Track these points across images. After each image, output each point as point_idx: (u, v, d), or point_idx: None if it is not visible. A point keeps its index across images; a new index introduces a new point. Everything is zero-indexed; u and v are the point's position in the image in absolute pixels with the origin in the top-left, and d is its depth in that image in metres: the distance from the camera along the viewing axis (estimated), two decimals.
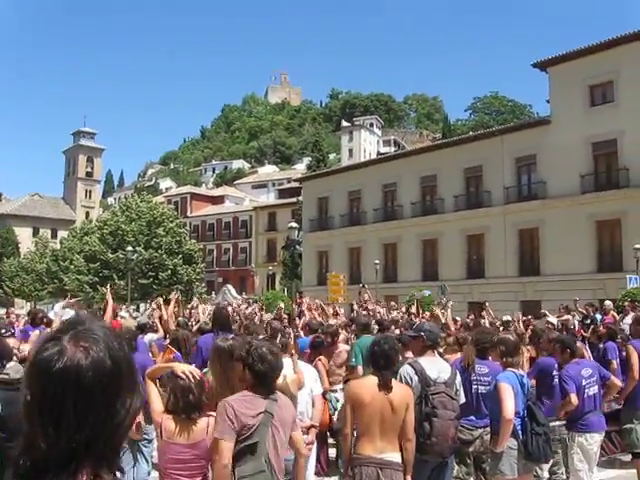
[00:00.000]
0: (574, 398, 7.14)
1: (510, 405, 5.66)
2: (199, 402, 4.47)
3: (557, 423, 7.52)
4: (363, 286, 23.41)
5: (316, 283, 49.94)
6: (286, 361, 6.62)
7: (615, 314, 16.36)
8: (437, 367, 5.73)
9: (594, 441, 7.32)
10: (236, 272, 77.80)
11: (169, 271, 51.39)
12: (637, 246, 31.70)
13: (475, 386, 6.86)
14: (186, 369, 4.57)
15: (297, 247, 26.78)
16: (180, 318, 11.91)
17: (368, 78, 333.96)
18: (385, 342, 5.33)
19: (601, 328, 12.30)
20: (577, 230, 36.50)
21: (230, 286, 48.49)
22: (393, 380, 5.22)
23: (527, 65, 63.59)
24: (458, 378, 5.89)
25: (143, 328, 10.24)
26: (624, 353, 10.77)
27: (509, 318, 15.44)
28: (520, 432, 5.85)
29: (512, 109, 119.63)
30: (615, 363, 10.73)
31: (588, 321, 15.52)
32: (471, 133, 56.99)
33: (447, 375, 5.71)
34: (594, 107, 37.69)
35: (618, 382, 8.36)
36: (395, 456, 5.06)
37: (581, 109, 37.82)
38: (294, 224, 27.12)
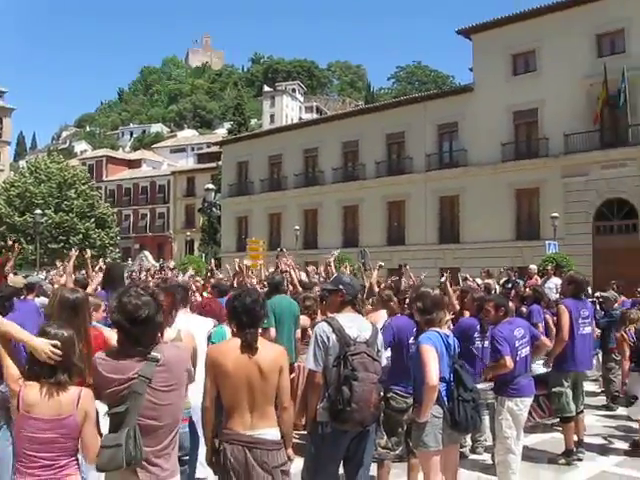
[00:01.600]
0: (509, 361, 6.64)
1: (434, 369, 5.01)
2: (66, 362, 3.60)
3: (481, 386, 6.97)
4: (281, 250, 22.61)
5: (235, 249, 49.02)
6: (182, 316, 5.89)
7: (538, 278, 16.13)
8: (357, 325, 5.02)
9: (524, 406, 6.85)
10: (154, 238, 76.04)
11: (81, 235, 49.49)
12: (554, 214, 32.01)
13: (412, 349, 6.19)
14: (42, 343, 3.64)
15: (214, 210, 25.81)
16: (79, 275, 10.91)
17: (292, 44, 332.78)
18: (246, 294, 4.50)
19: (527, 290, 11.93)
20: (497, 198, 36.64)
21: (147, 252, 47.11)
22: (261, 340, 4.43)
23: (451, 35, 63.60)
24: (380, 337, 5.18)
25: (32, 288, 9.21)
26: (547, 316, 10.42)
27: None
28: (446, 399, 5.20)
29: (435, 79, 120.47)
30: (540, 326, 10.32)
31: (509, 285, 15.20)
32: (394, 100, 56.56)
33: (368, 333, 5.00)
34: (516, 76, 37.75)
35: (548, 342, 7.92)
36: (269, 432, 4.31)
37: (503, 78, 37.81)
38: (210, 185, 26.19)
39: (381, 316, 7.47)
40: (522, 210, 37.26)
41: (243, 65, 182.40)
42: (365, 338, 4.94)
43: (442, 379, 5.15)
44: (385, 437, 6.47)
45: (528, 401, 6.92)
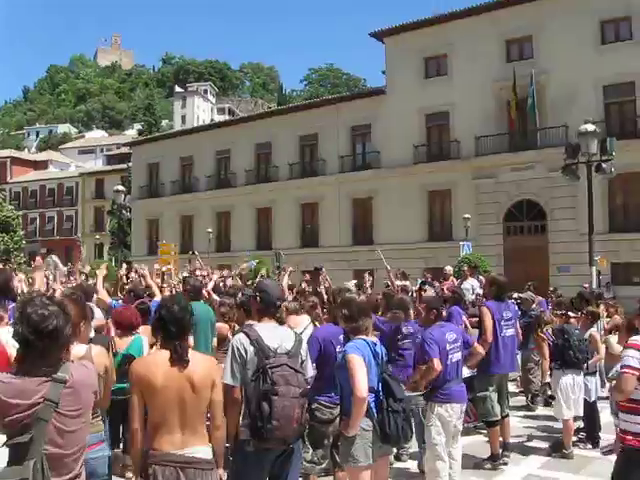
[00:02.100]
0: (437, 363, 6.43)
1: (362, 380, 4.71)
2: None
3: (410, 394, 6.74)
4: (193, 253, 22.11)
5: (146, 253, 47.97)
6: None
7: (454, 279, 16.10)
8: (278, 334, 4.67)
9: (454, 412, 6.61)
10: (61, 242, 73.71)
11: None
12: (466, 215, 32.46)
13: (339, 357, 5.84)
14: None
15: (124, 212, 24.95)
16: None
17: (203, 44, 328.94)
18: (174, 302, 4.11)
19: (445, 292, 11.80)
20: (409, 200, 36.93)
21: (55, 256, 45.29)
22: (191, 351, 4.06)
23: (364, 37, 63.95)
24: (304, 346, 4.81)
25: None
26: (464, 317, 10.32)
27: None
28: (375, 411, 4.90)
29: (347, 82, 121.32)
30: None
31: (426, 287, 15.08)
32: (307, 101, 56.46)
33: (290, 343, 4.64)
34: (428, 79, 38.18)
35: (482, 349, 7.65)
36: (201, 450, 3.93)
37: (416, 80, 38.14)
38: (120, 187, 25.33)
39: (301, 321, 7.14)
40: (434, 211, 37.65)
41: (154, 65, 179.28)
42: (286, 349, 4.57)
43: (371, 390, 4.84)
44: (310, 450, 6.11)
45: (458, 407, 6.69)
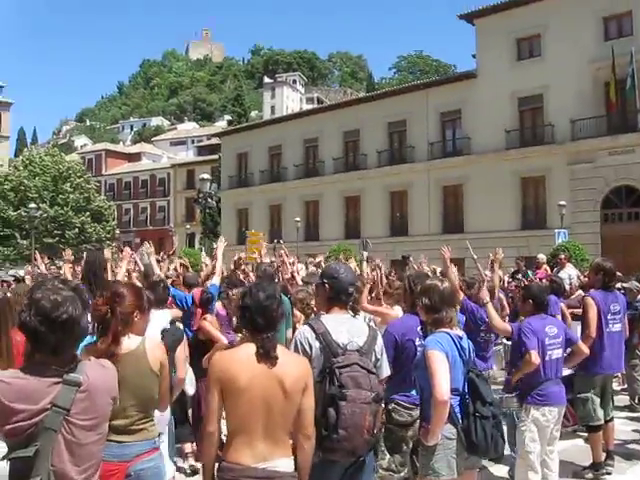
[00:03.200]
0: (535, 356, 5.72)
1: (444, 381, 4.07)
2: None
3: (503, 395, 6.07)
4: (278, 242, 21.78)
5: (236, 242, 47.89)
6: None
7: (548, 268, 15.18)
8: (348, 328, 4.04)
9: (552, 416, 5.86)
10: (154, 232, 74.93)
11: (76, 229, 48.46)
12: (561, 202, 31.14)
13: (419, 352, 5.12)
14: None
15: (209, 200, 24.85)
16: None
17: (292, 35, 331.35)
18: (259, 289, 3.56)
19: (539, 280, 11.00)
20: (501, 187, 35.75)
21: (147, 245, 46.06)
22: (281, 348, 3.54)
23: (453, 22, 62.61)
24: (379, 343, 4.19)
25: None
26: (562, 304, 9.55)
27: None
28: (459, 416, 4.27)
29: (437, 68, 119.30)
30: (558, 318, 9.41)
31: (519, 276, 14.29)
32: (395, 87, 55.52)
33: (363, 339, 4.02)
34: (521, 61, 36.85)
35: (586, 349, 6.71)
36: (286, 464, 3.40)
37: (508, 63, 36.86)
38: (206, 176, 25.22)
39: (395, 315, 6.53)
40: (528, 199, 36.36)
41: (243, 57, 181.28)
42: (358, 345, 3.97)
43: (455, 391, 4.23)
44: (387, 456, 5.47)
45: (556, 411, 5.94)
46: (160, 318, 5.58)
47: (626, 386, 11.30)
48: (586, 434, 7.78)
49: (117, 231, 58.64)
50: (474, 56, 39.65)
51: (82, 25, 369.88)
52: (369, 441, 3.84)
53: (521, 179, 36.08)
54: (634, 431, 9.27)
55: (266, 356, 3.39)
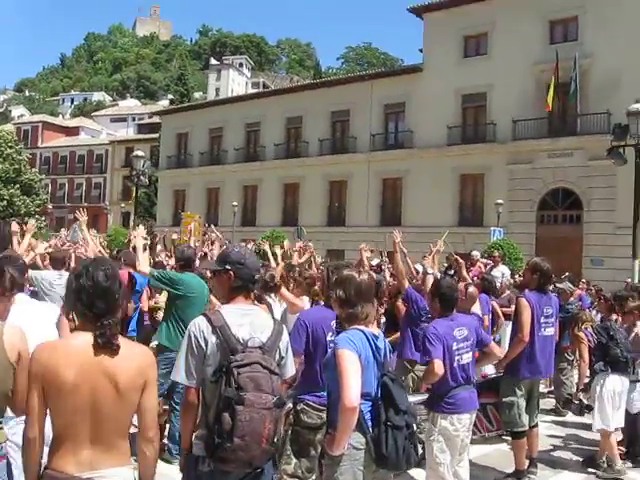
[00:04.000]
0: (439, 366, 5.24)
1: (353, 384, 3.59)
2: None
3: (413, 399, 5.62)
4: (209, 226, 21.20)
5: (171, 223, 47.15)
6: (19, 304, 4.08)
7: (482, 265, 14.93)
8: (251, 321, 3.55)
9: (462, 425, 5.41)
10: (89, 209, 72.30)
11: (4, 202, 46.65)
12: (499, 201, 31.21)
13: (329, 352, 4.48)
14: None
15: (142, 179, 24.04)
16: None
17: (242, 18, 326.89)
18: (97, 268, 3.00)
19: (475, 279, 10.71)
20: (441, 182, 35.70)
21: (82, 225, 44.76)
22: (122, 339, 3.00)
23: (403, 13, 62.49)
24: (285, 338, 3.70)
25: None
26: (494, 303, 9.24)
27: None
28: (370, 424, 3.78)
29: (384, 61, 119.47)
30: (487, 319, 9.07)
31: (452, 272, 13.98)
32: (341, 76, 55.13)
33: (266, 334, 3.53)
34: (467, 58, 36.84)
35: (498, 351, 6.30)
36: (119, 474, 2.91)
37: (454, 59, 36.79)
38: (140, 153, 24.41)
39: (301, 306, 6.09)
40: (466, 195, 36.43)
41: (191, 37, 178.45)
42: (261, 341, 3.46)
43: (366, 396, 3.74)
44: (294, 461, 4.99)
45: (467, 418, 5.48)
46: (45, 312, 4.84)
47: (552, 389, 11.09)
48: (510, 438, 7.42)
49: (50, 206, 56.82)
50: (421, 50, 39.47)
51: None
52: (268, 451, 3.32)
53: (460, 176, 36.11)
54: (558, 437, 8.99)
55: (107, 346, 2.88)
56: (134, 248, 7.51)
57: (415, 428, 3.87)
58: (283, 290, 6.35)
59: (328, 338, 4.82)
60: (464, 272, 7.91)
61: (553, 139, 32.56)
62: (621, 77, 30.02)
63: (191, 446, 3.48)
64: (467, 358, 5.55)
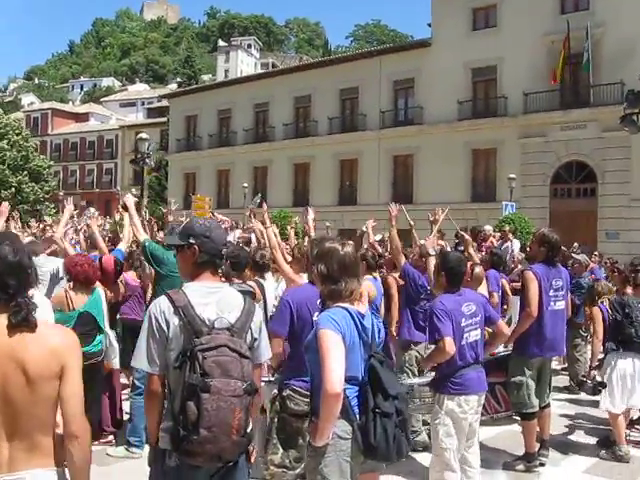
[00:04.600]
0: (449, 344, 4.91)
1: (336, 368, 3.24)
2: None
3: (417, 380, 5.28)
4: (213, 214, 20.83)
5: (182, 207, 46.63)
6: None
7: (494, 241, 14.52)
8: (218, 300, 3.22)
9: (470, 407, 5.06)
10: (100, 195, 73.13)
11: (13, 189, 46.42)
12: (511, 176, 30.69)
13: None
14: None
15: (147, 162, 23.79)
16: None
17: None
18: (2, 241, 2.64)
19: (481, 253, 10.32)
20: (452, 158, 35.20)
21: (93, 209, 44.60)
22: (39, 320, 2.60)
23: None
24: (257, 318, 3.33)
25: None
26: (504, 281, 8.86)
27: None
28: (357, 411, 3.43)
29: (393, 39, 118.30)
30: (497, 296, 8.69)
31: (461, 247, 13.60)
32: (348, 54, 54.52)
33: (235, 314, 3.20)
34: (476, 31, 36.20)
35: (507, 330, 5.90)
36: (43, 475, 2.55)
37: (462, 33, 36.16)
38: (144, 135, 24.14)
39: (301, 284, 5.75)
40: (478, 171, 35.92)
41: (199, 20, 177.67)
42: (229, 322, 3.13)
43: (352, 381, 3.39)
44: (280, 451, 4.66)
45: (475, 400, 5.14)
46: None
47: (566, 366, 10.72)
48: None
49: (61, 192, 56.53)
50: (429, 25, 38.84)
51: None
52: (239, 443, 3.01)
53: (472, 151, 35.60)
54: (571, 417, 8.63)
55: (23, 324, 2.52)
56: (125, 207, 7.15)
57: (406, 415, 3.51)
58: (284, 266, 6.01)
59: (314, 318, 4.46)
60: (471, 250, 7.52)
61: (565, 111, 31.97)
62: (635, 46, 29.34)
63: (158, 439, 3.16)
64: (475, 335, 5.21)
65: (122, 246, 7.73)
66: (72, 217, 9.34)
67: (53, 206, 49.83)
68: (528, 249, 9.39)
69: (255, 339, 3.28)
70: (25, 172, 48.37)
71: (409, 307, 7.39)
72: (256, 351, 3.29)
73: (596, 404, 8.70)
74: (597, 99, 30.95)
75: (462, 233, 8.05)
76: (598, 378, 7.19)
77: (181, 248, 3.37)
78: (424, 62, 37.21)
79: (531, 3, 32.97)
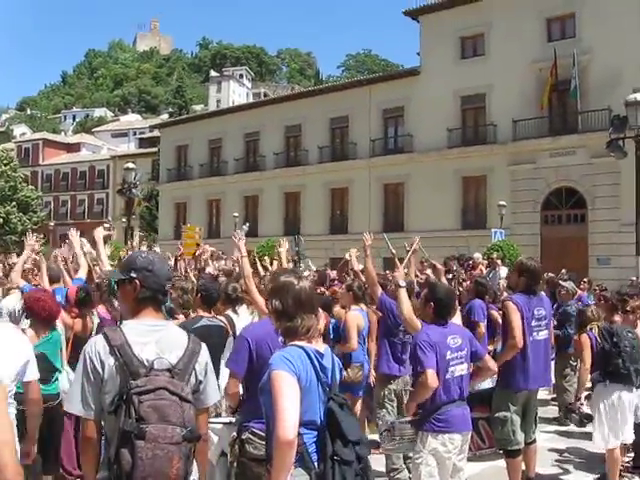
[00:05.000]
0: (432, 377, 4.69)
1: (290, 413, 2.96)
2: None
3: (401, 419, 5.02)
4: (198, 245, 20.53)
5: (173, 237, 46.75)
6: None
7: (483, 268, 14.32)
8: (158, 339, 3.00)
9: (454, 447, 4.81)
10: (92, 225, 72.48)
11: (0, 219, 46.19)
12: (501, 203, 30.63)
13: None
14: None
15: (134, 192, 23.64)
16: None
17: (241, 30, 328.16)
18: None
19: (467, 282, 10.09)
20: (443, 186, 35.13)
21: (84, 240, 44.38)
22: None
23: (400, 19, 62.24)
24: (203, 358, 3.11)
25: None
26: (493, 312, 8.64)
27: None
28: (315, 457, 3.12)
29: (384, 68, 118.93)
30: (483, 327, 8.44)
31: (450, 276, 13.40)
32: (338, 83, 54.68)
33: (177, 354, 2.98)
34: (464, 59, 36.37)
35: (494, 365, 5.56)
36: None
37: (451, 61, 36.31)
38: (131, 165, 24.02)
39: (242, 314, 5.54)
40: (468, 198, 35.89)
41: (192, 51, 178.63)
42: (169, 363, 2.90)
43: (310, 425, 3.13)
44: None
45: (459, 438, 4.88)
46: None
47: (556, 396, 10.45)
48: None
49: (51, 223, 56.30)
50: (419, 54, 39.02)
51: (26, 12, 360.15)
52: None
53: (462, 178, 35.59)
54: (561, 451, 8.29)
55: None
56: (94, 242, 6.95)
57: (368, 462, 3.25)
58: (256, 297, 5.75)
59: None
60: (443, 279, 7.30)
61: (554, 138, 32.02)
62: (622, 72, 29.39)
63: None
64: (461, 370, 4.98)
65: (81, 274, 7.52)
66: (37, 252, 9.01)
67: (42, 236, 49.55)
68: (507, 279, 9.18)
69: (200, 381, 3.04)
70: (13, 202, 48.20)
71: (387, 339, 7.15)
72: (201, 394, 3.06)
73: (587, 436, 8.44)
74: (585, 125, 31.02)
75: (433, 262, 7.77)
76: (585, 408, 6.88)
77: (122, 283, 3.14)
78: (413, 90, 37.31)
79: (518, 31, 33.10)
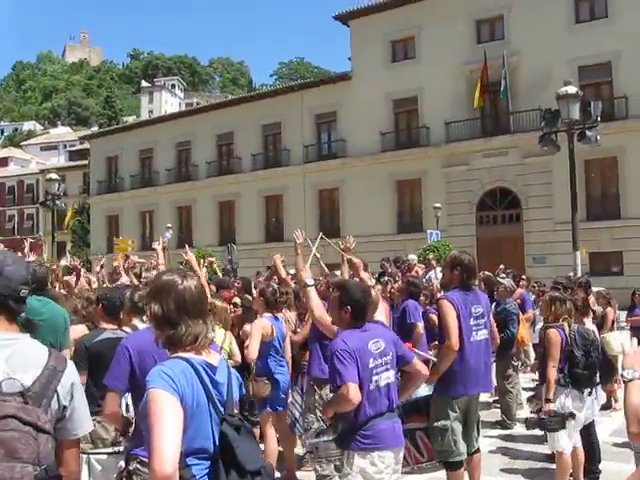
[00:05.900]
0: (354, 391, 4.05)
1: (167, 442, 2.34)
2: None
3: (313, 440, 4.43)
4: (127, 257, 19.76)
5: (106, 250, 45.43)
6: None
7: (419, 270, 13.92)
8: (9, 355, 2.33)
9: (385, 465, 4.19)
10: (23, 241, 70.62)
11: None
12: (437, 205, 30.49)
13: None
14: None
15: (58, 203, 22.66)
16: None
17: (172, 40, 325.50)
18: None
19: (399, 282, 9.61)
20: (378, 190, 34.99)
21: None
22: None
23: (332, 25, 62.26)
24: (68, 379, 2.41)
25: None
26: (432, 316, 8.16)
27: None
28: None
29: (317, 75, 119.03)
30: (420, 327, 7.94)
31: (385, 278, 12.94)
32: (270, 90, 54.10)
33: (33, 374, 2.32)
34: (395, 63, 36.35)
35: (424, 369, 4.88)
36: None
37: (382, 65, 36.24)
38: (54, 176, 23.03)
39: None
40: (404, 202, 35.81)
41: (123, 62, 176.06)
42: (21, 385, 2.27)
43: (201, 454, 2.51)
44: None
45: (391, 456, 4.25)
46: None
47: (498, 398, 10.00)
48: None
49: None
50: (350, 58, 38.78)
51: None
52: None
53: (397, 182, 35.48)
54: (506, 456, 7.76)
55: None
56: None
57: None
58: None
59: None
60: (361, 274, 6.77)
61: (487, 139, 32.19)
62: (551, 73, 29.62)
63: None
64: (387, 378, 4.34)
65: None
66: None
67: None
68: (441, 275, 8.68)
69: (64, 407, 2.38)
70: None
71: (318, 342, 6.58)
72: (67, 422, 2.41)
73: (533, 439, 8.05)
74: (517, 126, 31.21)
75: (348, 257, 7.17)
76: (552, 406, 6.27)
77: None
78: (345, 95, 37.07)
79: (448, 34, 33.16)
